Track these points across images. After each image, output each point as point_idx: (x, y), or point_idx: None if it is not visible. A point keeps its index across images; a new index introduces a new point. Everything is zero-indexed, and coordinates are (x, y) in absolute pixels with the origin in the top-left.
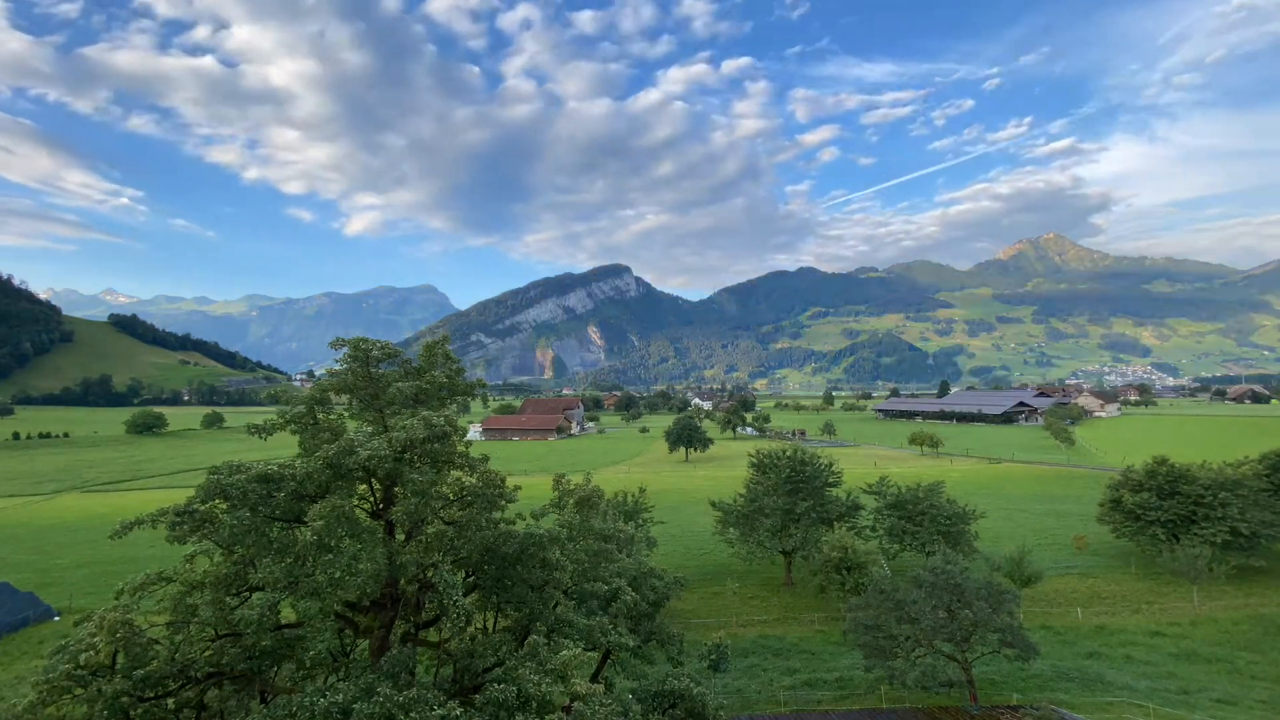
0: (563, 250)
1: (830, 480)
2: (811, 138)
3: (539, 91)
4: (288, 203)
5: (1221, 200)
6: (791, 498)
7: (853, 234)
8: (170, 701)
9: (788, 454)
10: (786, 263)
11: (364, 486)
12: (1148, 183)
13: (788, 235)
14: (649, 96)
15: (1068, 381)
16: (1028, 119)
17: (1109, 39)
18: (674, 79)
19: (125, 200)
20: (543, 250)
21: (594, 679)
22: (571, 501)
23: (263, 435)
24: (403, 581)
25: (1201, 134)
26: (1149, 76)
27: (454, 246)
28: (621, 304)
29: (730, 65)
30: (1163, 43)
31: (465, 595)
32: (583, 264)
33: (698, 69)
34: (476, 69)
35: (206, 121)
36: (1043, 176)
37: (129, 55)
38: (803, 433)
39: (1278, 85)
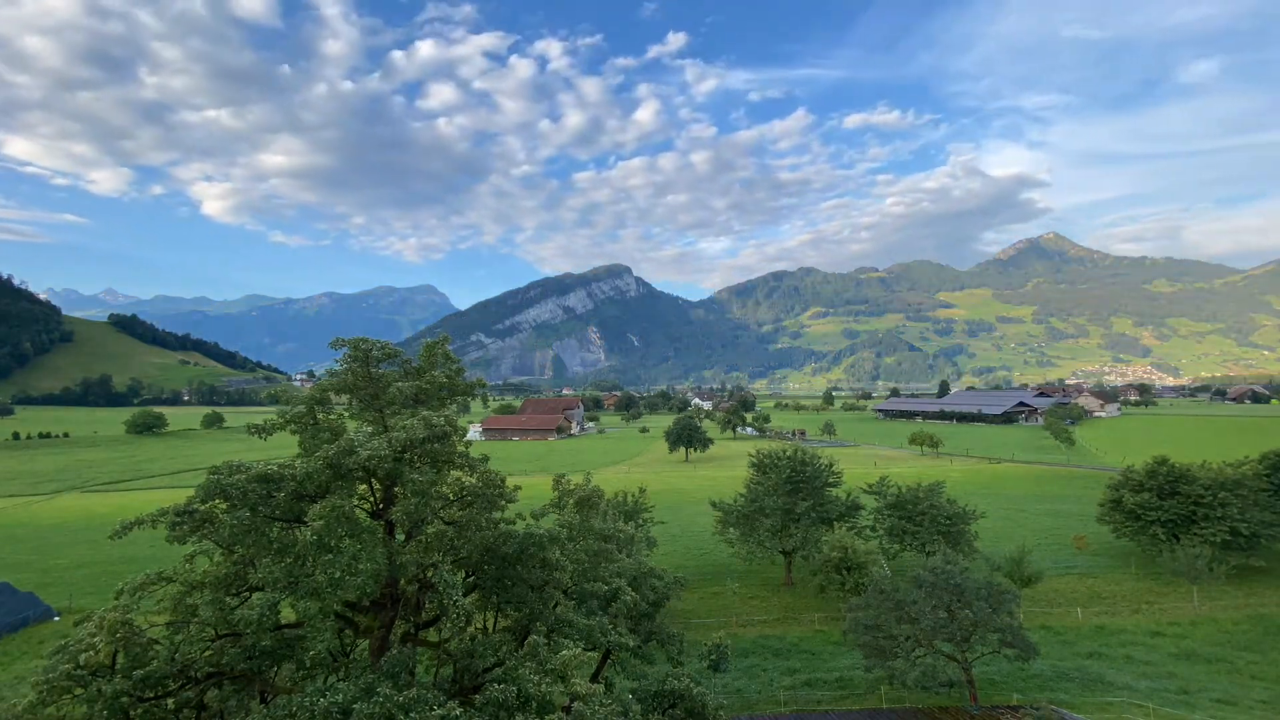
0: (459, 234)
1: (830, 480)
2: (670, 48)
3: None
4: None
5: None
6: (791, 498)
7: (800, 208)
8: (170, 701)
9: (788, 454)
10: (710, 247)
11: (364, 486)
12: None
13: (711, 210)
14: None
15: (1068, 381)
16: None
17: (947, 45)
18: None
19: None
20: (460, 237)
21: (594, 679)
22: (571, 501)
23: (263, 435)
24: (403, 581)
25: (1081, 139)
26: (1006, 84)
27: (336, 229)
28: (621, 304)
29: None
30: (1002, 52)
31: (465, 595)
32: (495, 255)
33: None
34: None
35: None
36: (946, 170)
37: None
38: (803, 433)
39: (1141, 90)
